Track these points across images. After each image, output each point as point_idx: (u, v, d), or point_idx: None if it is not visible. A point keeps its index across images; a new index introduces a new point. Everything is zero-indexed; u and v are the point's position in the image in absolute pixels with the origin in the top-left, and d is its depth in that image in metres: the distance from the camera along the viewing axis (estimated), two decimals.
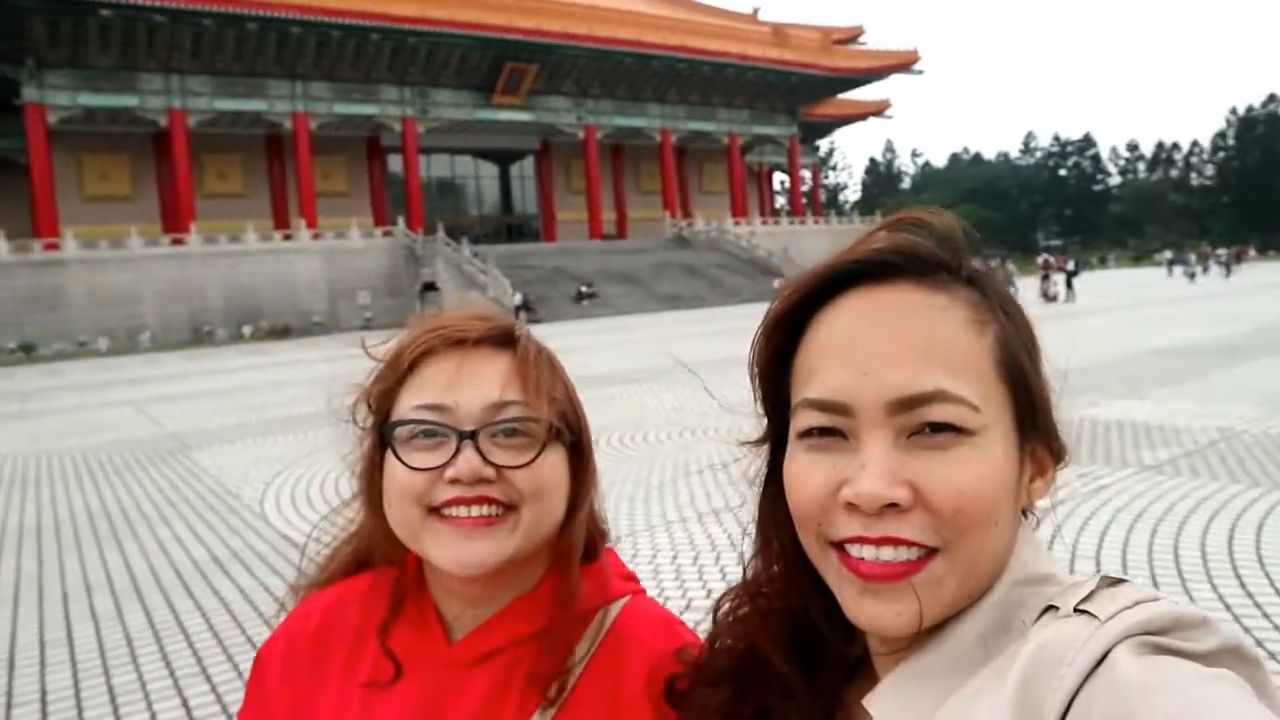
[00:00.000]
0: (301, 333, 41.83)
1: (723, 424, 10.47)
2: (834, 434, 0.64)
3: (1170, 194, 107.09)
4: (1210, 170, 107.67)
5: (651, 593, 5.04)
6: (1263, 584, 4.60)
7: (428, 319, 0.94)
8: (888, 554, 0.61)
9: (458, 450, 0.86)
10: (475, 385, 0.88)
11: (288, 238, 45.04)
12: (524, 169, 62.49)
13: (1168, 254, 59.64)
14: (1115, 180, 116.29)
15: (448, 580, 0.91)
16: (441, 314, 0.95)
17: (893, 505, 0.60)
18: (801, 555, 0.68)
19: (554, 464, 0.90)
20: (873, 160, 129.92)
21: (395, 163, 53.95)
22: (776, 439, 0.73)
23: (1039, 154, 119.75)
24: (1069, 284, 32.68)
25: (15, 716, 4.10)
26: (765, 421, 0.75)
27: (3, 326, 37.59)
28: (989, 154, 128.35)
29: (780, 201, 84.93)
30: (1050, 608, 0.59)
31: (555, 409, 0.91)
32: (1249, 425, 8.54)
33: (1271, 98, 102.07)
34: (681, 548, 5.88)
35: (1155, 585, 4.57)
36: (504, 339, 0.93)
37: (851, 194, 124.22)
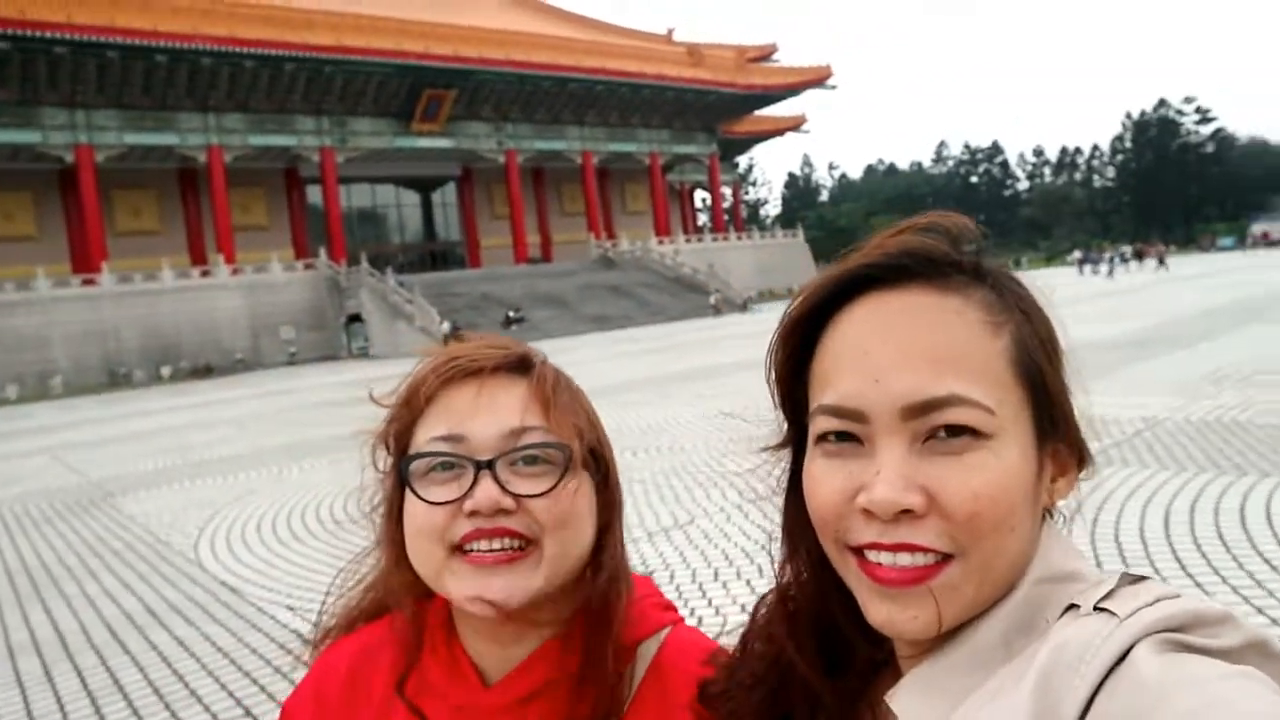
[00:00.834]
0: (224, 371, 40.71)
1: (663, 441, 10.50)
2: (850, 439, 0.64)
3: (1075, 196, 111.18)
4: (1111, 172, 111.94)
5: None
6: (1201, 565, 4.75)
7: (441, 351, 0.91)
8: (904, 559, 0.61)
9: (475, 481, 0.83)
10: (491, 414, 0.86)
11: (205, 274, 43.85)
12: (446, 196, 62.02)
13: (1077, 254, 61.64)
14: (1024, 185, 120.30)
15: (476, 622, 0.87)
16: (454, 345, 0.92)
17: (908, 511, 0.60)
18: (826, 559, 0.68)
19: (576, 491, 0.87)
20: (791, 175, 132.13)
21: (315, 193, 52.93)
22: (797, 444, 0.72)
23: (951, 162, 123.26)
24: None
25: None
26: (785, 426, 0.74)
27: None
28: (903, 164, 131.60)
29: (703, 219, 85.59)
30: (1072, 606, 0.59)
31: (576, 434, 0.88)
32: (1170, 413, 8.87)
33: (1162, 102, 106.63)
34: (654, 564, 5.83)
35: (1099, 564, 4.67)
36: (520, 366, 0.90)
37: (772, 208, 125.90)
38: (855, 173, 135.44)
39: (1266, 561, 4.69)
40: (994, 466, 0.60)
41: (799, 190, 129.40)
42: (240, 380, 35.10)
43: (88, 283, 40.82)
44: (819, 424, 0.65)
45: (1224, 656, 0.50)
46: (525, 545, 0.84)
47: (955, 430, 0.60)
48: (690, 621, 2.46)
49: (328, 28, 45.98)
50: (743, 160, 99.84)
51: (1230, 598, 4.27)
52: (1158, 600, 0.54)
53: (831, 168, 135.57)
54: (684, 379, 17.47)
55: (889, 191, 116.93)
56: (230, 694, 4.59)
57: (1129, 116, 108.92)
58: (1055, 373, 0.66)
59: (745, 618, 0.83)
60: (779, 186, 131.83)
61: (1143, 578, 0.58)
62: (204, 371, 40.45)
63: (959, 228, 0.69)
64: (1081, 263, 56.04)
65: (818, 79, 66.41)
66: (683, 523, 6.81)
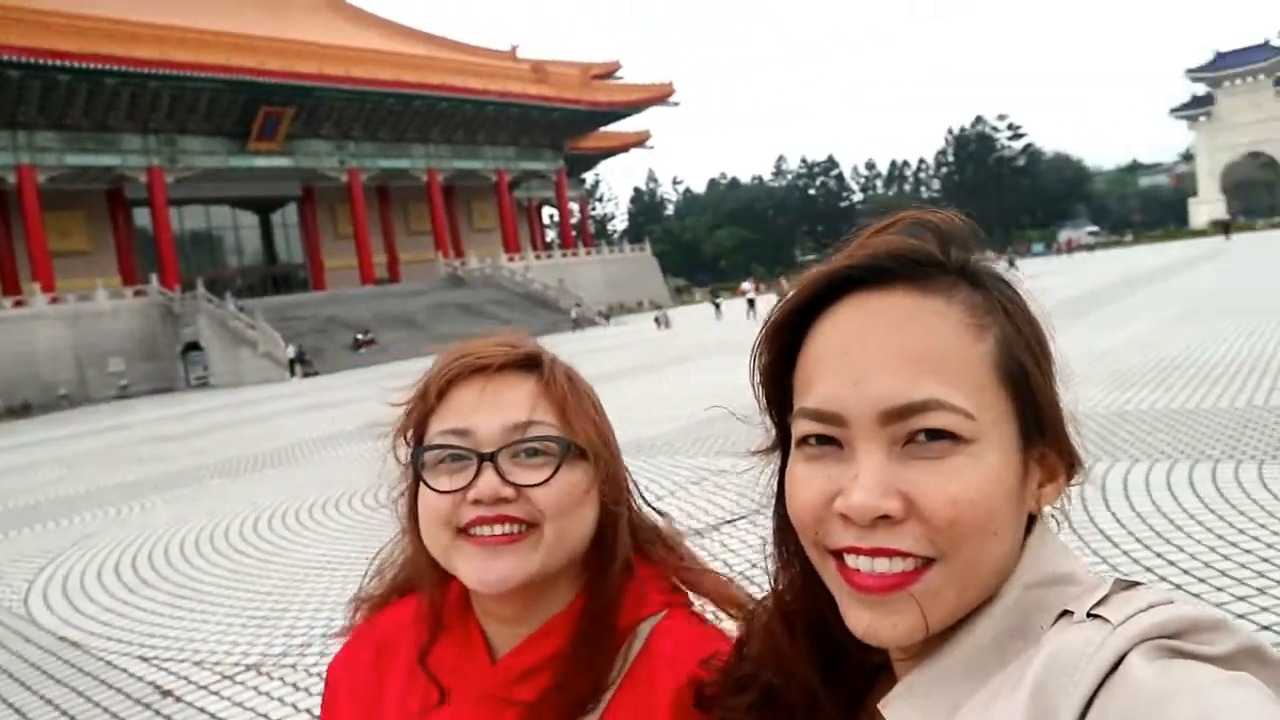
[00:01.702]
0: (46, 408, 37.78)
1: None
2: (830, 442, 0.63)
3: (906, 206, 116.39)
4: (936, 184, 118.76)
5: None
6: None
7: (454, 349, 0.98)
8: (882, 565, 0.60)
9: (479, 472, 0.89)
10: (497, 408, 0.92)
11: (20, 304, 40.73)
12: (287, 216, 59.85)
13: None
14: (858, 196, 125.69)
15: (484, 601, 0.95)
16: (467, 343, 0.99)
17: (885, 517, 0.59)
18: None
19: (573, 482, 0.92)
20: (637, 190, 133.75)
21: (143, 216, 49.97)
22: (785, 447, 0.72)
23: (790, 176, 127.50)
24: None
25: None
26: (772, 430, 0.74)
27: None
28: (745, 178, 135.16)
29: (551, 235, 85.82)
30: (1065, 612, 0.58)
31: (577, 428, 0.94)
32: None
33: (979, 119, 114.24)
34: None
35: None
36: (528, 363, 0.96)
37: (620, 223, 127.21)
38: (699, 187, 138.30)
39: (1111, 542, 5.13)
40: (973, 472, 0.59)
41: (645, 205, 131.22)
42: (66, 418, 32.74)
43: None
44: (800, 427, 0.65)
45: (1218, 663, 0.50)
46: (525, 528, 0.90)
47: (934, 434, 0.60)
48: None
49: (152, 41, 43.54)
50: (589, 176, 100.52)
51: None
52: (1151, 606, 0.54)
53: (676, 182, 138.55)
54: None
55: (732, 204, 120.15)
56: None
57: (950, 132, 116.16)
58: (1042, 376, 0.65)
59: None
60: (626, 202, 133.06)
61: (1136, 583, 0.58)
62: (21, 410, 37.43)
63: (946, 226, 0.67)
64: None
65: (660, 96, 67.74)
66: None
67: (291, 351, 37.27)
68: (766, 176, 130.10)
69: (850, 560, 0.61)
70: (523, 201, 73.03)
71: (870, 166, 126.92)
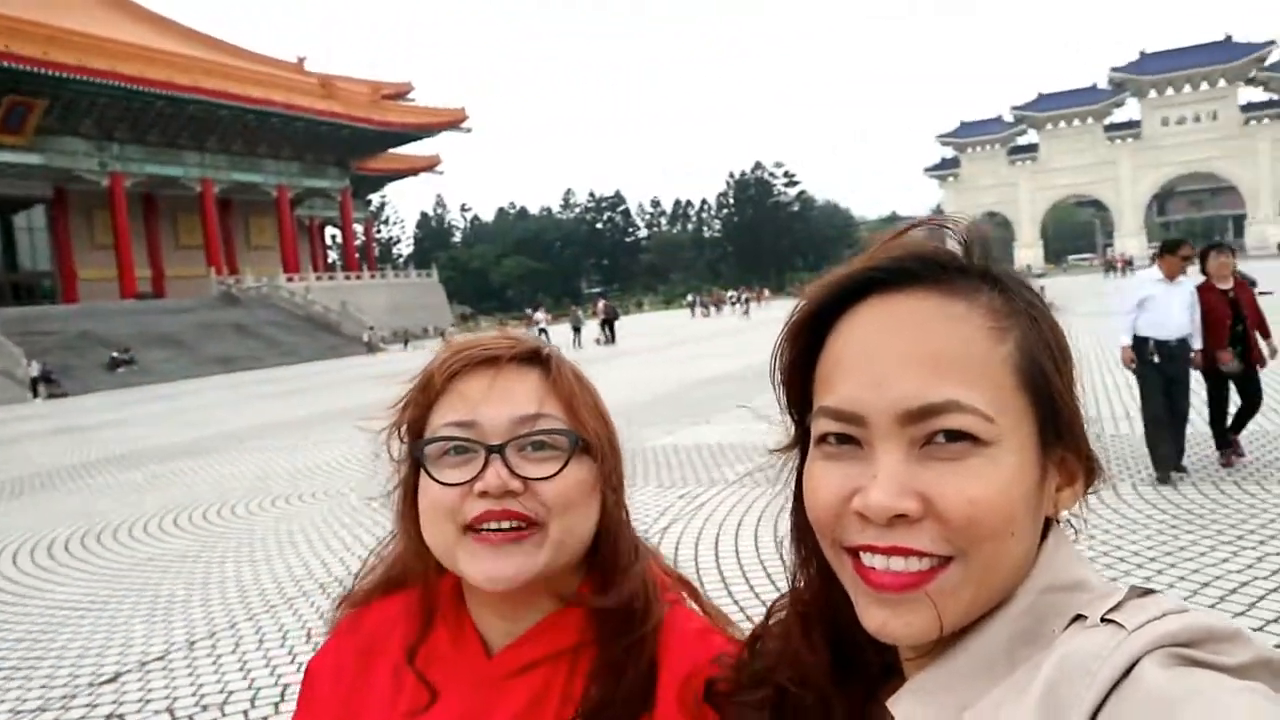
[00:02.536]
0: None
1: (316, 485, 10.05)
2: (849, 441, 0.64)
3: (689, 245, 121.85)
4: (718, 224, 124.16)
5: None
6: None
7: (457, 341, 0.97)
8: (898, 564, 0.61)
9: (485, 464, 0.88)
10: (503, 401, 0.90)
11: None
12: (33, 219, 54.31)
13: (689, 298, 67.72)
14: (643, 232, 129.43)
15: (483, 596, 0.93)
16: (468, 337, 0.97)
17: (903, 516, 0.60)
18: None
19: (581, 477, 0.91)
20: (425, 214, 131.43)
21: None
22: (803, 444, 0.72)
23: (578, 209, 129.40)
24: (607, 328, 36.32)
25: None
26: (792, 428, 0.74)
27: None
28: (534, 209, 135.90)
29: (333, 256, 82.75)
30: (1078, 617, 0.58)
31: (583, 423, 0.93)
32: None
33: (758, 165, 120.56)
34: (313, 622, 5.59)
35: (771, 583, 5.29)
36: (533, 357, 0.95)
37: (405, 248, 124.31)
38: (488, 215, 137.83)
39: None
40: (992, 474, 0.60)
41: (432, 230, 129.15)
42: None
43: None
44: (819, 425, 0.65)
45: (1233, 673, 0.50)
46: (530, 525, 0.88)
47: (953, 436, 0.60)
48: None
49: None
50: (376, 198, 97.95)
51: None
52: (1166, 614, 0.54)
53: (465, 209, 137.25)
54: (327, 420, 16.77)
55: (520, 234, 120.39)
56: None
57: (732, 175, 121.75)
58: (1063, 380, 0.65)
59: None
60: (412, 226, 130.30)
61: (1151, 591, 0.58)
62: None
63: (968, 230, 0.68)
64: (693, 305, 61.70)
65: (453, 121, 67.14)
66: (355, 570, 6.55)
67: (35, 369, 33.78)
68: (555, 208, 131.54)
69: (866, 559, 0.62)
70: (304, 220, 69.99)
71: (655, 204, 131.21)
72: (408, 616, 1.00)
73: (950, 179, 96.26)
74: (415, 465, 0.93)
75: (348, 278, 61.52)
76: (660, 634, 0.94)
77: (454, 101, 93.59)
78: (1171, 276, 6.96)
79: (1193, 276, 7.20)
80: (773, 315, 46.43)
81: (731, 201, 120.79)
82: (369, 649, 1.01)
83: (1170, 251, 7.05)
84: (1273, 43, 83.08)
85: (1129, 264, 65.95)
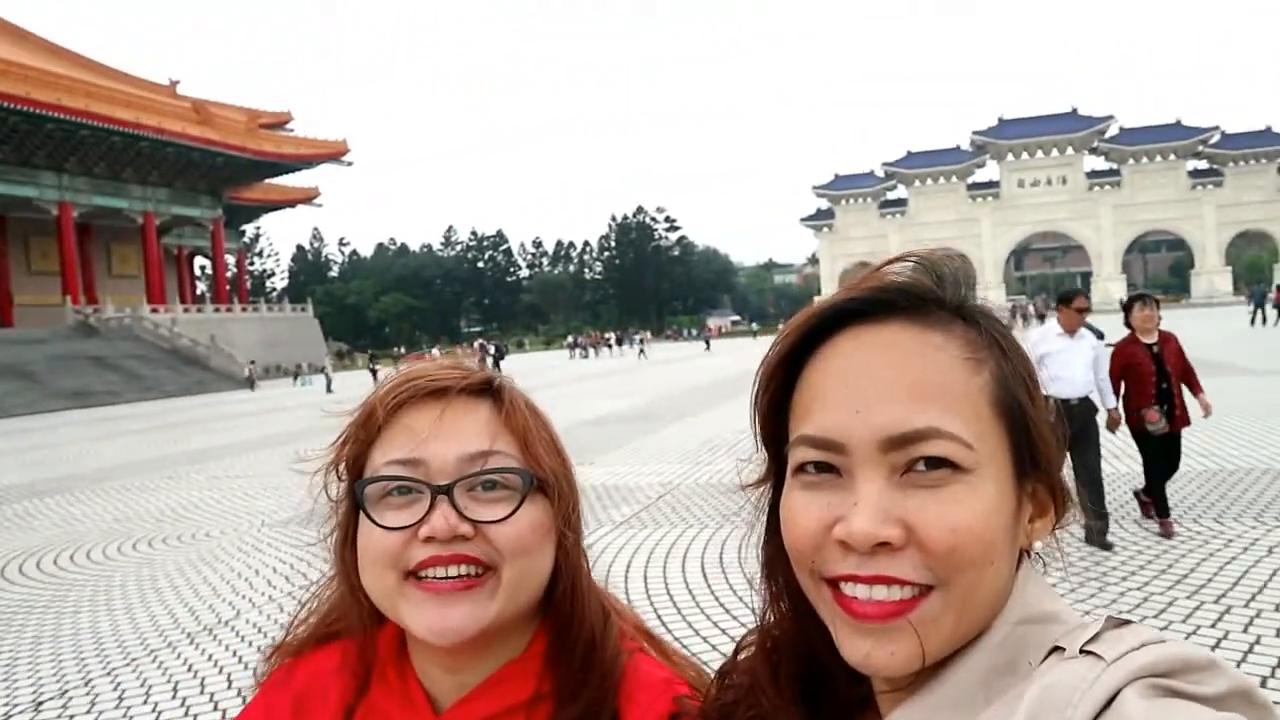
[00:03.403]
0: None
1: (183, 528, 9.60)
2: (829, 470, 0.64)
3: (569, 285, 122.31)
4: (599, 266, 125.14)
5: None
6: (735, 601, 5.63)
7: (401, 372, 0.89)
8: (880, 593, 0.60)
9: (431, 506, 0.81)
10: (451, 437, 0.84)
11: None
12: None
13: (570, 339, 67.98)
14: (525, 272, 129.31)
15: (429, 649, 0.85)
16: (414, 366, 0.90)
17: (885, 544, 0.60)
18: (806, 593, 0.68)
19: (536, 517, 0.85)
20: (300, 247, 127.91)
21: None
22: (778, 478, 0.72)
23: (459, 247, 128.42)
24: (496, 365, 35.83)
25: None
26: (765, 461, 0.74)
27: None
28: (414, 245, 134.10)
29: (202, 288, 79.58)
30: (1056, 649, 0.58)
31: (537, 459, 0.87)
32: (682, 478, 10.21)
33: (640, 209, 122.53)
34: (179, 675, 5.33)
35: (663, 624, 5.33)
36: (483, 388, 0.89)
37: (279, 281, 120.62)
38: (367, 250, 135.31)
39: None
40: (972, 501, 0.60)
41: (308, 264, 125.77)
42: None
43: None
44: (798, 454, 0.65)
45: (1210, 703, 0.50)
46: (482, 572, 0.82)
47: (934, 463, 0.60)
48: None
49: None
50: (250, 229, 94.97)
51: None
52: (1144, 645, 0.54)
53: (343, 243, 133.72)
54: (196, 459, 16.05)
55: (400, 270, 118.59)
56: None
57: (614, 219, 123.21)
58: (1036, 411, 0.66)
59: None
60: (288, 259, 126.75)
61: (1128, 621, 0.58)
62: None
63: (943, 265, 0.69)
64: (573, 347, 61.92)
65: (334, 153, 65.80)
66: (226, 619, 6.21)
67: None
68: (436, 245, 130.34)
69: (848, 589, 0.62)
70: (172, 249, 67.14)
71: (538, 244, 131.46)
72: (344, 671, 0.92)
73: (825, 229, 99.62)
74: (355, 506, 0.85)
75: (217, 310, 59.04)
76: (623, 684, 0.88)
77: (335, 134, 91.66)
78: (1070, 330, 6.47)
79: (1104, 327, 6.94)
80: (664, 356, 47.09)
81: (613, 244, 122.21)
82: (303, 706, 0.93)
83: (1065, 303, 6.54)
84: (1111, 118, 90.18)
85: None
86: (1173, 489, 7.06)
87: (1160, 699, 0.50)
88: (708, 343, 57.27)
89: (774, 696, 0.73)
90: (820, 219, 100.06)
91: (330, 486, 0.90)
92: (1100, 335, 6.74)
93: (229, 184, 63.71)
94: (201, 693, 4.86)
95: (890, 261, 0.70)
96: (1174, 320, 14.28)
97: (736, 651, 0.81)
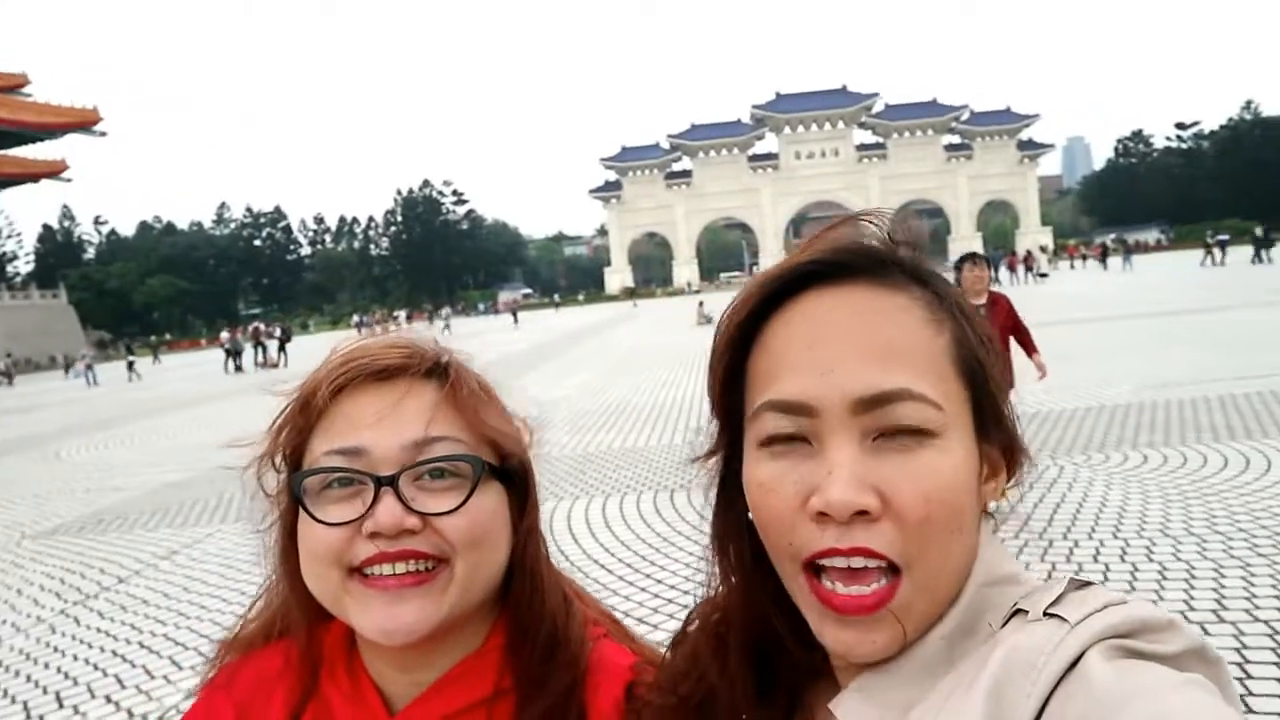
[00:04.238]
0: None
1: None
2: (796, 439, 0.62)
3: (355, 263, 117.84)
4: (386, 242, 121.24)
5: None
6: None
7: (341, 350, 0.83)
8: (859, 562, 0.60)
9: (376, 499, 0.75)
10: (395, 422, 0.78)
11: None
12: None
13: (356, 318, 66.02)
14: (307, 250, 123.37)
15: (378, 647, 0.80)
16: (356, 344, 0.83)
17: (863, 513, 0.59)
18: (758, 564, 0.67)
19: (490, 506, 0.80)
20: (48, 227, 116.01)
21: None
22: (729, 450, 0.71)
23: (234, 225, 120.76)
24: (282, 348, 34.15)
25: None
26: (717, 433, 0.72)
27: None
28: (183, 223, 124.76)
29: None
30: (1019, 611, 0.59)
31: (489, 442, 0.82)
32: None
33: (426, 183, 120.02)
34: None
35: None
36: (430, 368, 0.82)
37: (24, 264, 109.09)
38: (127, 230, 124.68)
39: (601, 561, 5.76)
40: (943, 466, 0.60)
41: (58, 245, 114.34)
42: None
43: None
44: (764, 423, 0.63)
45: (1168, 662, 0.51)
46: (433, 566, 0.77)
47: (905, 428, 0.60)
48: None
49: None
50: None
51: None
52: (1106, 606, 0.54)
53: (99, 222, 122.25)
54: None
55: (168, 250, 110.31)
56: None
57: (400, 193, 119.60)
58: (994, 372, 0.66)
59: None
60: (33, 240, 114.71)
61: (1089, 583, 0.59)
62: None
63: (897, 227, 0.68)
64: (359, 326, 60.65)
65: (83, 122, 60.08)
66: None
67: None
68: (208, 223, 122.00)
69: (827, 583, 0.61)
70: None
71: (320, 221, 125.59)
72: (290, 672, 0.86)
73: (613, 200, 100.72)
74: (294, 500, 0.80)
75: None
76: (589, 674, 0.84)
77: (86, 101, 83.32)
78: None
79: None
80: (471, 329, 45.89)
81: (400, 219, 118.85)
82: (246, 710, 0.87)
83: None
84: (877, 94, 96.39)
85: None
86: None
87: (1122, 660, 0.51)
88: (515, 315, 57.27)
89: (720, 668, 0.73)
90: (608, 190, 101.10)
91: (266, 478, 0.83)
92: None
93: None
94: None
95: (841, 221, 0.68)
96: None
97: (686, 624, 0.80)
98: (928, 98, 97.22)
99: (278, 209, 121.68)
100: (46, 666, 5.09)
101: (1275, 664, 3.57)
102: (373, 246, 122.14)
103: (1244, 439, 7.28)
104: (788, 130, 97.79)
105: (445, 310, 61.82)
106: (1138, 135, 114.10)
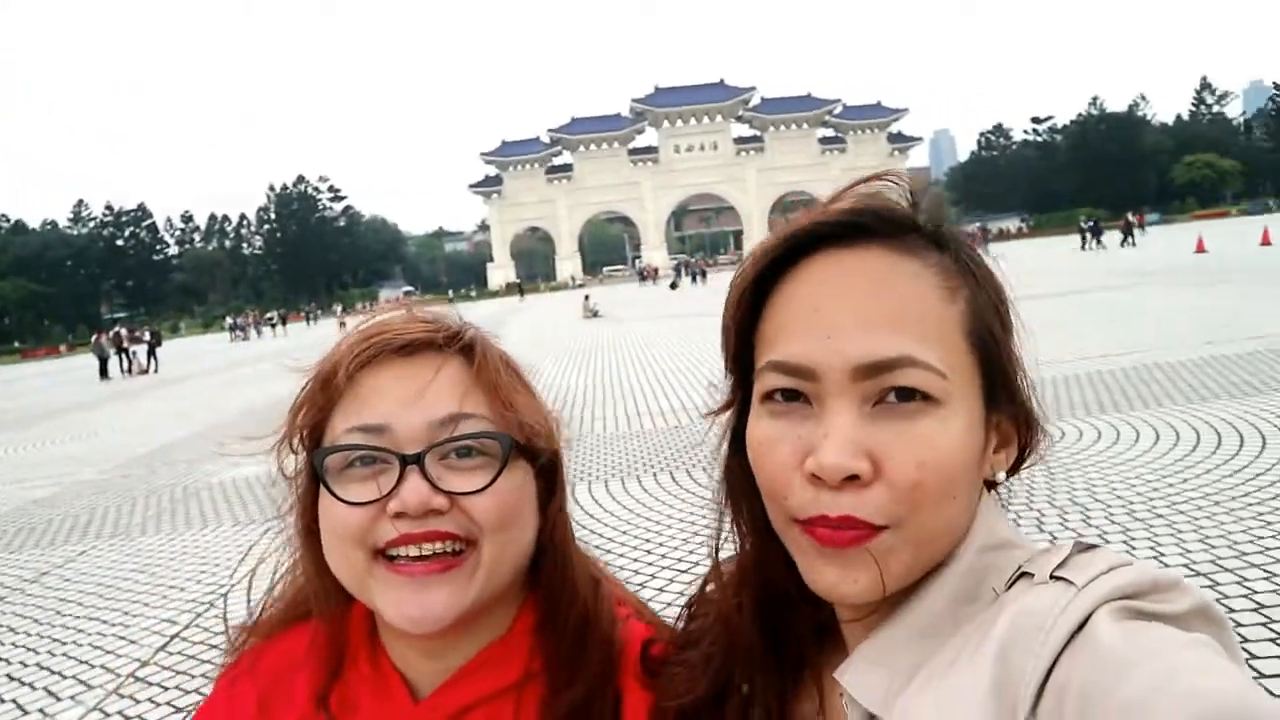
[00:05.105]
0: None
1: None
2: (797, 398, 0.62)
3: (227, 263, 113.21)
4: (260, 241, 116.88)
5: None
6: None
7: (363, 325, 0.81)
8: (846, 528, 0.60)
9: (401, 478, 0.73)
10: (420, 399, 0.75)
11: None
12: None
13: (229, 320, 64.00)
14: (174, 250, 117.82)
15: (401, 632, 0.77)
16: (378, 318, 0.81)
17: (854, 477, 0.59)
18: (770, 520, 0.68)
19: (518, 485, 0.78)
20: None
21: None
22: (741, 406, 0.71)
23: (93, 223, 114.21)
24: (151, 353, 32.81)
25: None
26: (730, 388, 0.72)
27: None
28: (33, 222, 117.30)
29: None
30: (1024, 574, 0.59)
31: (516, 420, 0.79)
32: None
33: (301, 179, 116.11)
34: None
35: None
36: (455, 342, 0.80)
37: None
38: None
39: None
40: (941, 436, 0.60)
41: None
42: None
43: None
44: (766, 380, 0.64)
45: (1174, 621, 0.51)
46: (460, 549, 0.74)
47: (906, 394, 0.60)
48: None
49: None
50: None
51: None
52: (1112, 568, 0.55)
53: None
54: None
55: (18, 251, 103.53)
56: None
57: (273, 189, 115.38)
58: (1007, 343, 0.66)
59: None
60: None
61: (1094, 545, 0.59)
62: None
63: (917, 189, 0.67)
64: (232, 329, 58.99)
65: None
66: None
67: None
68: (63, 222, 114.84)
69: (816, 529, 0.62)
70: None
71: (188, 219, 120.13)
72: (314, 655, 0.83)
73: (494, 195, 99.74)
74: (315, 479, 0.78)
75: None
76: (623, 658, 0.82)
77: None
78: None
79: None
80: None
81: (274, 217, 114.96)
82: (271, 695, 0.85)
83: None
84: (754, 88, 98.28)
85: (656, 273, 73.91)
86: None
87: (1131, 621, 0.51)
88: None
89: (737, 624, 0.73)
90: (489, 185, 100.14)
91: (285, 460, 0.81)
92: None
93: None
94: None
95: (860, 182, 0.67)
96: None
97: (703, 585, 0.81)
98: (803, 92, 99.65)
99: (141, 206, 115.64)
100: None
101: None
102: (245, 245, 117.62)
103: (1113, 412, 7.68)
104: (667, 124, 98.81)
105: (338, 307, 60.21)
106: (998, 129, 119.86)
